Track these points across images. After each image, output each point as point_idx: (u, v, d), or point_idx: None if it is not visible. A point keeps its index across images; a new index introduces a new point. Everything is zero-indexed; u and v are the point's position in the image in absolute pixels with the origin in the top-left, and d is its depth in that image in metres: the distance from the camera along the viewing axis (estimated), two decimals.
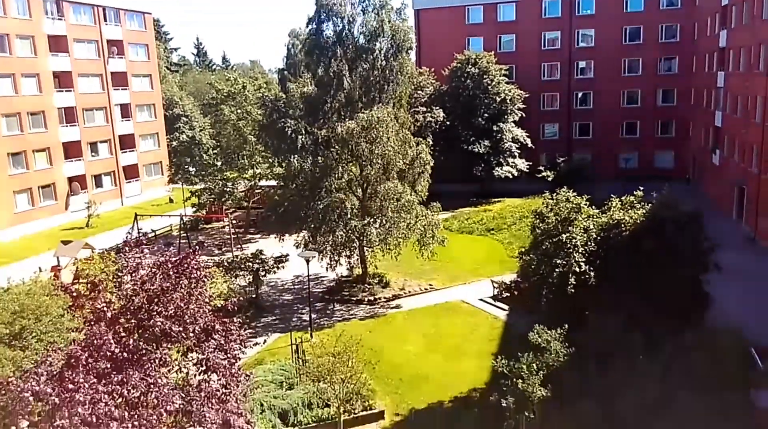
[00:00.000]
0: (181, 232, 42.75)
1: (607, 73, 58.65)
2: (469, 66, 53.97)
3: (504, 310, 28.80)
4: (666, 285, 20.66)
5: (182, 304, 15.66)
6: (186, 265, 16.61)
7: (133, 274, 16.24)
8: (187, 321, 15.85)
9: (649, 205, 23.21)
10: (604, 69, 58.82)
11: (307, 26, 33.49)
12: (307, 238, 31.17)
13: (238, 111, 44.55)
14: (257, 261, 30.93)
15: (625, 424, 16.49)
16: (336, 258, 30.53)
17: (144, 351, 14.12)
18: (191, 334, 15.73)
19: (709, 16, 50.79)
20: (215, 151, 45.16)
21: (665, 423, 16.28)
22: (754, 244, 37.13)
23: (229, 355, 16.14)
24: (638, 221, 22.42)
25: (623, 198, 24.01)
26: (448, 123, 52.54)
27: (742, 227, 40.24)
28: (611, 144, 59.14)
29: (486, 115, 53.16)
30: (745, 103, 40.67)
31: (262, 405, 19.11)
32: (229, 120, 44.43)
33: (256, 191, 46.53)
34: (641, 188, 24.22)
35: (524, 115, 55.16)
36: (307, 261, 27.01)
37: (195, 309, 16.07)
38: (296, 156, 32.91)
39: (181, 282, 16.19)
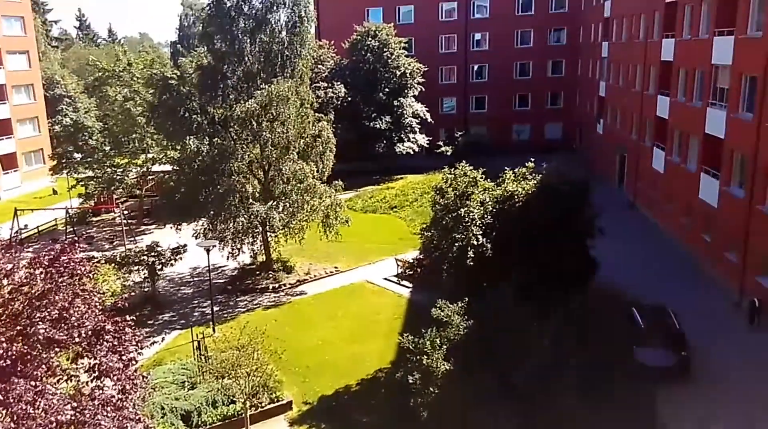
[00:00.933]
0: (68, 226, 39.95)
1: (501, 45, 60.28)
2: (369, 39, 53.56)
3: (408, 287, 29.32)
4: (556, 252, 21.79)
5: (66, 306, 14.71)
6: (66, 261, 15.53)
7: (9, 278, 15.04)
8: (74, 324, 14.93)
9: (540, 176, 24.23)
10: (498, 41, 60.41)
11: None
12: (206, 226, 29.99)
13: (125, 91, 41.78)
14: (152, 254, 29.25)
15: (520, 393, 17.35)
16: (238, 246, 29.64)
17: (29, 357, 13.16)
18: (78, 339, 14.84)
19: None
20: (102, 135, 42.15)
21: (558, 386, 17.27)
22: (633, 208, 39.87)
23: (123, 358, 15.38)
24: (530, 192, 23.36)
25: (516, 170, 24.92)
26: (349, 99, 52.13)
27: (623, 193, 43.05)
28: (505, 117, 61.21)
29: (387, 89, 53.22)
30: (626, 72, 43.16)
31: (162, 408, 18.38)
32: (115, 101, 41.66)
33: (149, 178, 43.84)
34: (532, 160, 25.22)
35: (423, 89, 55.73)
36: (207, 251, 26.03)
37: (82, 310, 15.15)
38: (192, 138, 31.43)
39: (62, 281, 15.16)
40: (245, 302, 29.50)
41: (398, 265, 30.94)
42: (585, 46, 57.01)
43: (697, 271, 28.67)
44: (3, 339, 13.35)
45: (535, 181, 23.74)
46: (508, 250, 22.45)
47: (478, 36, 61.47)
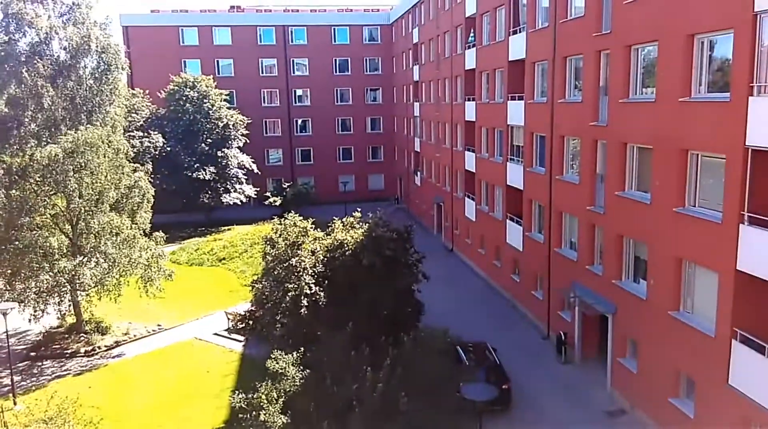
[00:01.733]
0: None
1: (322, 101, 62.76)
2: (188, 89, 52.44)
3: (240, 341, 28.31)
4: (384, 297, 22.73)
5: None
6: None
7: None
8: None
9: (366, 224, 25.28)
10: (319, 97, 62.80)
11: None
12: (2, 285, 26.49)
13: None
14: None
15: None
16: (42, 307, 26.54)
17: None
18: None
19: (404, 52, 57.90)
20: None
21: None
22: (451, 253, 43.14)
23: None
24: (359, 240, 24.21)
25: (344, 219, 25.73)
26: (168, 149, 50.13)
27: (442, 240, 46.42)
28: (331, 168, 63.35)
29: (209, 140, 52.23)
30: (437, 130, 47.21)
31: None
32: None
33: None
34: (359, 209, 26.29)
35: (248, 140, 55.64)
36: (4, 314, 22.88)
37: None
38: None
39: None
40: (53, 369, 26.17)
41: (228, 319, 29.80)
42: (399, 105, 61.50)
43: (511, 309, 31.64)
44: None
45: (363, 230, 24.69)
46: (341, 298, 22.89)
47: (299, 92, 63.30)
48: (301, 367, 18.93)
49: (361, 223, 25.25)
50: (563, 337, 25.58)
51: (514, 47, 30.69)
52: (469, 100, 38.63)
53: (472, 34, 38.09)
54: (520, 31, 30.13)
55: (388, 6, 64.95)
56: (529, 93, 29.08)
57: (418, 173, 53.77)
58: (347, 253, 24.05)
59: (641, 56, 19.99)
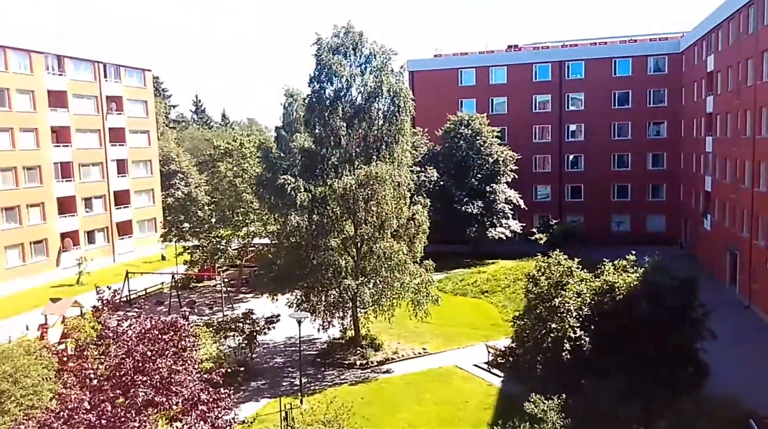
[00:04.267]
0: (172, 290, 42.26)
1: (597, 136, 59.90)
2: (462, 127, 54.97)
3: (499, 376, 28.20)
4: (662, 352, 20.46)
5: (167, 375, 15.36)
6: (174, 331, 16.35)
7: (118, 340, 15.93)
8: (173, 390, 15.47)
9: (642, 269, 23.22)
10: (594, 132, 60.10)
11: (309, 85, 34.14)
12: (300, 297, 30.91)
13: (235, 169, 44.95)
14: (248, 321, 30.43)
15: None
16: (329, 319, 30.18)
17: (124, 419, 13.66)
18: (175, 405, 15.32)
19: (695, 82, 52.31)
20: (210, 208, 45.24)
21: None
22: (748, 311, 36.96)
23: (214, 427, 15.65)
24: (632, 285, 22.36)
25: (616, 262, 24.03)
26: (441, 183, 53.06)
27: (736, 294, 40.14)
28: (603, 207, 59.79)
29: (479, 175, 53.86)
30: (734, 168, 41.36)
31: None
32: (225, 177, 44.75)
33: (250, 249, 46.36)
34: (633, 252, 24.31)
35: (516, 176, 55.89)
36: (299, 322, 26.59)
37: (182, 378, 15.70)
38: (294, 213, 32.92)
39: (168, 348, 15.90)
40: (333, 376, 29.47)
41: (489, 352, 29.99)
42: (687, 140, 55.50)
43: None
44: (106, 398, 14.05)
45: (638, 275, 22.72)
46: (608, 346, 21.32)
47: (573, 127, 61.50)
48: (563, 415, 18.04)
49: (635, 268, 23.31)
50: None
51: None
52: None
53: None
54: None
55: (678, 34, 59.65)
56: None
57: (708, 216, 47.61)
58: (618, 298, 22.39)
59: None
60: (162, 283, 46.53)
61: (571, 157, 61.62)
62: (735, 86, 41.22)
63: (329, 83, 33.99)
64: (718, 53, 45.32)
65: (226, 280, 44.35)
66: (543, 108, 62.00)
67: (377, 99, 33.95)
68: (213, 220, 44.73)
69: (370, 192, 29.82)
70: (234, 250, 45.51)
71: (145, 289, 44.92)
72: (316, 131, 33.72)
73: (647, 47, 59.56)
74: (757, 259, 36.45)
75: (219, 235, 44.83)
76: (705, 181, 48.28)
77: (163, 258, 57.84)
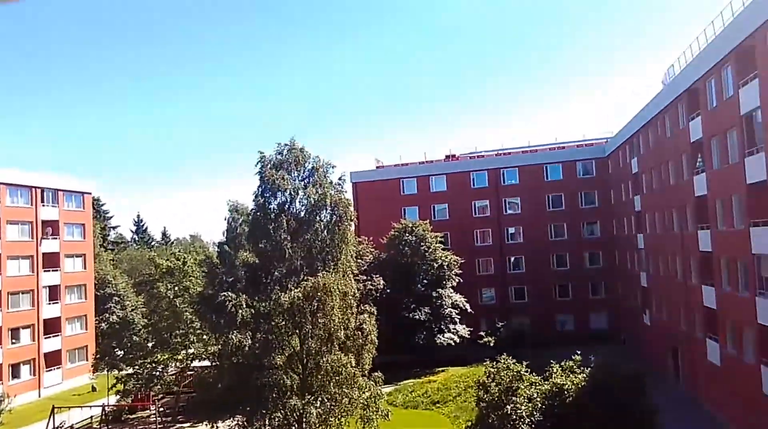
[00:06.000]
0: (102, 424, 39.08)
1: (535, 238, 61.97)
2: (407, 234, 55.86)
3: None
4: None
5: None
6: None
7: None
8: None
9: (589, 369, 23.20)
10: (532, 234, 62.18)
11: (253, 200, 34.31)
12: (241, 423, 29.03)
13: (176, 288, 43.54)
14: None
15: None
16: None
17: None
18: None
19: (622, 183, 55.51)
20: (147, 331, 43.10)
21: None
22: (694, 404, 36.97)
23: None
24: (580, 386, 22.19)
25: (563, 363, 23.96)
26: (388, 291, 52.86)
27: (682, 388, 40.30)
28: (547, 307, 60.68)
29: (425, 281, 54.14)
30: (666, 262, 43.06)
31: None
32: (165, 297, 43.18)
33: (189, 373, 43.74)
34: (578, 352, 24.36)
35: (462, 280, 56.39)
36: None
37: None
38: (236, 331, 31.75)
39: None
40: None
41: None
42: (620, 238, 57.90)
43: None
44: None
45: (585, 375, 22.65)
46: None
47: (512, 230, 63.54)
48: None
49: (582, 368, 23.28)
50: None
51: (751, 169, 27.71)
52: (702, 228, 35.06)
53: (699, 160, 35.46)
54: (757, 152, 27.25)
55: (603, 139, 64.09)
56: None
57: (647, 311, 48.78)
58: (567, 400, 22.10)
59: None
60: (91, 417, 42.82)
61: (512, 258, 63.12)
62: (659, 185, 43.85)
63: (273, 198, 34.34)
64: (641, 156, 48.63)
65: (161, 408, 41.37)
66: (482, 213, 64.13)
67: (320, 210, 34.41)
68: (150, 344, 42.47)
69: (317, 303, 29.30)
70: (171, 375, 42.89)
71: (72, 426, 41.23)
72: (260, 245, 33.57)
73: (575, 153, 63.63)
74: (696, 351, 37.07)
75: (156, 360, 42.39)
76: (641, 277, 49.87)
77: (94, 389, 53.42)
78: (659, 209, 44.24)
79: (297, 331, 29.56)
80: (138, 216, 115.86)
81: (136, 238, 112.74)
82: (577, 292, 61.13)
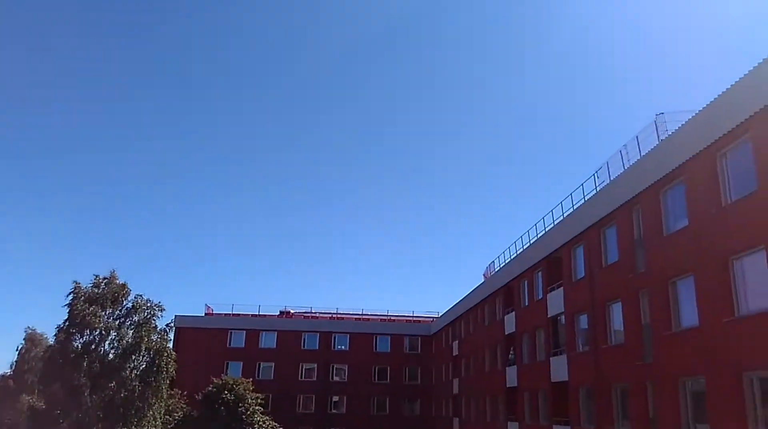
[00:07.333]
0: None
1: (358, 410, 60.78)
2: (225, 392, 52.02)
3: None
4: None
5: None
6: None
7: None
8: None
9: None
10: (355, 406, 61.00)
11: (54, 335, 30.56)
12: None
13: None
14: None
15: None
16: None
17: None
18: None
19: (443, 364, 57.58)
20: None
21: None
22: None
23: None
24: None
25: None
26: None
27: None
28: None
29: None
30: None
31: None
32: None
33: None
34: None
35: None
36: None
37: None
38: None
39: None
40: None
41: None
42: (438, 419, 58.68)
43: None
44: None
45: None
46: None
47: (336, 398, 61.96)
48: None
49: None
50: None
51: (555, 368, 30.37)
52: (511, 419, 36.85)
53: (512, 353, 38.16)
54: (560, 353, 30.13)
55: (430, 318, 67.02)
56: (574, 418, 27.69)
57: None
58: None
59: (689, 390, 19.29)
60: None
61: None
62: (475, 372, 46.09)
63: (79, 335, 31.07)
64: (461, 340, 51.40)
65: None
66: (309, 376, 62.26)
67: (133, 356, 31.49)
68: None
69: None
70: None
71: None
72: (53, 389, 29.53)
73: (403, 327, 65.62)
74: None
75: None
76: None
77: None
78: (475, 396, 45.97)
79: None
80: None
81: None
82: None
